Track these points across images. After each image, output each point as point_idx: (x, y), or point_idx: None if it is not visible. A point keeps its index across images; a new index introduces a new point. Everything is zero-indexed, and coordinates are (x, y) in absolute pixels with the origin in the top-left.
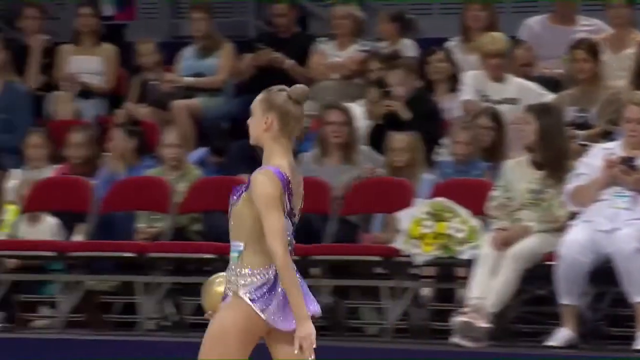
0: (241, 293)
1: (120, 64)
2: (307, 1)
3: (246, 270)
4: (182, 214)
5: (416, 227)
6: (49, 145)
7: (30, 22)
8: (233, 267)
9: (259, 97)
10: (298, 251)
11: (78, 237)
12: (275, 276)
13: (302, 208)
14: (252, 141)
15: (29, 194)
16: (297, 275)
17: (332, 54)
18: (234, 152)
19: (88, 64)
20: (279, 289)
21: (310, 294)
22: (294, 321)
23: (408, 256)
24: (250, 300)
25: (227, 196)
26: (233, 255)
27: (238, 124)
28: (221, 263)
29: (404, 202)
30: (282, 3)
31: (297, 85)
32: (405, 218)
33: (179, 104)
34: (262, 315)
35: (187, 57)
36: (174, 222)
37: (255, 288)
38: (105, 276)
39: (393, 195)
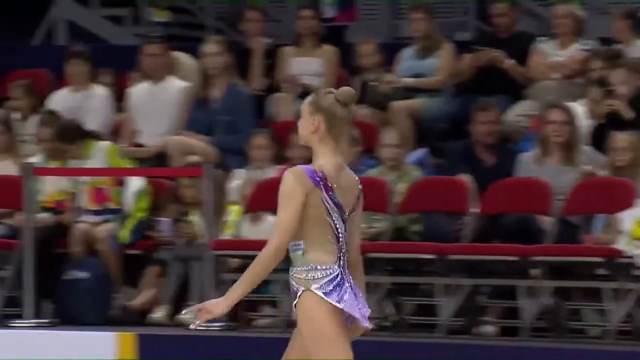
0: (313, 288)
1: (340, 65)
2: (527, 0)
3: (313, 266)
4: (401, 215)
5: (639, 228)
6: (273, 146)
7: (253, 25)
8: (298, 265)
9: (308, 99)
10: (518, 251)
11: None
12: (342, 271)
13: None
14: (301, 141)
15: (251, 194)
16: (339, 280)
17: (553, 54)
18: (453, 153)
19: (309, 66)
20: (347, 284)
21: (362, 302)
22: (366, 320)
23: (631, 257)
24: (323, 294)
25: (446, 197)
26: (297, 253)
27: (457, 125)
28: (441, 264)
29: (627, 202)
30: (502, 2)
31: (344, 88)
32: (628, 219)
33: (399, 104)
34: (339, 305)
35: (407, 58)
36: (393, 223)
37: (325, 282)
38: None
39: (615, 195)
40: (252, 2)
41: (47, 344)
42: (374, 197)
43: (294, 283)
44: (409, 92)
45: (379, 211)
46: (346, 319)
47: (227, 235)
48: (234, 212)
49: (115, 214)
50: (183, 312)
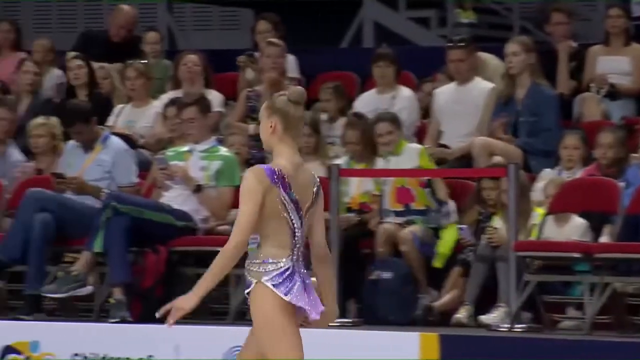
0: (264, 280)
1: None
2: None
3: (265, 259)
4: None
5: None
6: (583, 147)
7: (559, 28)
8: (252, 258)
9: (264, 104)
10: None
11: (605, 238)
12: (294, 265)
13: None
14: (264, 146)
15: (557, 194)
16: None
17: None
18: None
19: (617, 65)
20: (298, 277)
21: (314, 296)
22: (318, 311)
23: None
24: (272, 285)
25: None
26: (251, 247)
27: None
28: None
29: None
30: None
31: (295, 87)
32: None
33: None
34: (285, 298)
35: None
36: None
37: (275, 275)
38: (632, 278)
39: None
40: (560, 0)
41: (350, 343)
42: None
43: (248, 275)
44: None
45: None
46: (299, 312)
47: (532, 238)
48: (539, 214)
49: (420, 215)
50: (157, 313)
